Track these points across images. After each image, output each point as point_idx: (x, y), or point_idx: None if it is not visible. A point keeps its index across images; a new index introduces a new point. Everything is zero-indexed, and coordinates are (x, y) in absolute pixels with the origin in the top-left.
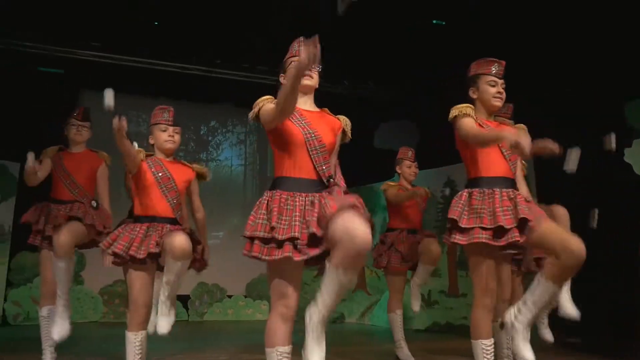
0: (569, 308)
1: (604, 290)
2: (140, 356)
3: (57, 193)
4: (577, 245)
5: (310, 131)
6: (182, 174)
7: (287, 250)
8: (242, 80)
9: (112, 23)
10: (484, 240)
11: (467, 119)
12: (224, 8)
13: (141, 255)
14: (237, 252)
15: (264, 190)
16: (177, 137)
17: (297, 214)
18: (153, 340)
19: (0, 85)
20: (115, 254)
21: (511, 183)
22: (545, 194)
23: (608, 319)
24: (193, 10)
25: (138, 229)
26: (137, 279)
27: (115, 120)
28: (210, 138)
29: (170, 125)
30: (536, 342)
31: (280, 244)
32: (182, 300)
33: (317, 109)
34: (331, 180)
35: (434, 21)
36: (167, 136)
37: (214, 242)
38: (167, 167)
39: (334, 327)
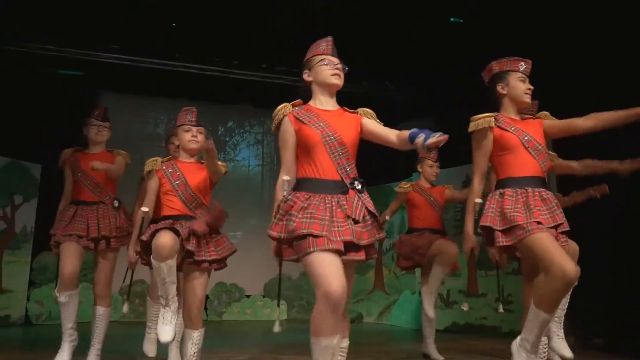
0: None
1: (629, 291)
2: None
3: (80, 195)
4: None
5: (329, 133)
6: (197, 176)
7: (322, 244)
8: (259, 81)
9: (130, 25)
10: (534, 232)
11: (484, 144)
12: (242, 8)
13: None
14: (255, 252)
15: None
16: (200, 137)
17: (327, 213)
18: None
19: (21, 88)
20: (142, 249)
21: (542, 182)
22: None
23: (633, 320)
24: (210, 11)
25: (162, 225)
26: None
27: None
28: (227, 139)
29: (194, 126)
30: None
31: (313, 237)
32: None
33: (337, 108)
34: (356, 182)
35: (452, 19)
36: (190, 136)
37: (232, 242)
38: (184, 172)
39: (352, 326)
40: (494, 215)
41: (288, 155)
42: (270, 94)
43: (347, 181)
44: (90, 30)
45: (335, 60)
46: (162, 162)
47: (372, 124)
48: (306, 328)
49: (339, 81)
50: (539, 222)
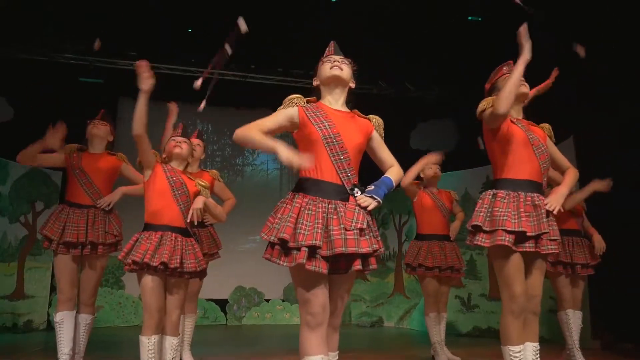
0: None
1: None
2: (154, 359)
3: (74, 196)
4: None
5: (332, 134)
6: (191, 186)
7: (302, 257)
8: (277, 85)
9: (147, 33)
10: (506, 244)
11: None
12: (258, 13)
13: (155, 263)
14: None
15: None
16: (184, 145)
17: (320, 220)
18: (192, 344)
19: (43, 97)
20: (134, 262)
21: (537, 187)
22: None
23: None
24: (225, 16)
25: (152, 237)
26: (149, 284)
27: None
28: None
29: (178, 136)
30: (587, 347)
31: (297, 250)
32: (220, 305)
33: (348, 110)
34: (356, 189)
35: (470, 17)
36: (174, 143)
37: (250, 246)
38: (180, 174)
39: (372, 331)
40: (484, 216)
41: (270, 123)
42: (286, 97)
43: (348, 186)
44: (108, 39)
45: (337, 57)
46: (162, 160)
47: (377, 143)
48: None
49: (338, 72)
50: (523, 233)
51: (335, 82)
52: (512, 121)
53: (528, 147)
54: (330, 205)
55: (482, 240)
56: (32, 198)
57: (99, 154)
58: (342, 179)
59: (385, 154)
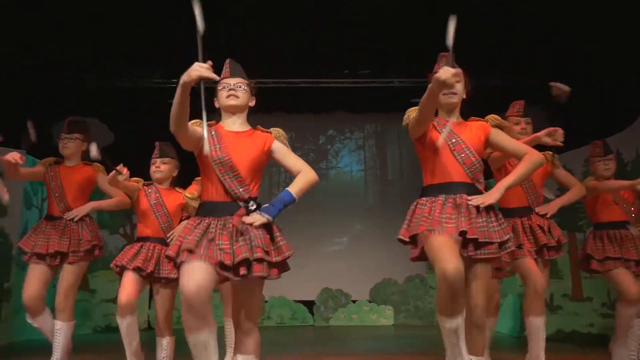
0: None
1: None
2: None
3: (50, 208)
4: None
5: (221, 155)
6: (174, 201)
7: (183, 257)
8: (348, 87)
9: (224, 50)
10: (423, 228)
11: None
12: (321, 20)
13: (130, 266)
14: (360, 257)
15: (385, 194)
16: (163, 167)
17: (199, 231)
18: (277, 344)
19: (136, 121)
20: (116, 265)
21: (466, 187)
22: None
23: None
24: (291, 28)
25: (134, 246)
26: (124, 278)
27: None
28: (329, 146)
29: (158, 158)
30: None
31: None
32: (307, 305)
33: (247, 129)
34: (250, 202)
35: None
36: (154, 168)
37: (338, 248)
38: (162, 194)
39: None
40: (406, 227)
41: (194, 126)
42: (361, 98)
43: (240, 202)
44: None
45: (233, 80)
46: (144, 184)
47: (280, 154)
48: (414, 334)
49: (234, 102)
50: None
51: (232, 110)
52: (435, 127)
53: (448, 153)
54: (219, 222)
55: (412, 251)
56: (128, 211)
57: (75, 166)
58: (233, 197)
59: (290, 162)
